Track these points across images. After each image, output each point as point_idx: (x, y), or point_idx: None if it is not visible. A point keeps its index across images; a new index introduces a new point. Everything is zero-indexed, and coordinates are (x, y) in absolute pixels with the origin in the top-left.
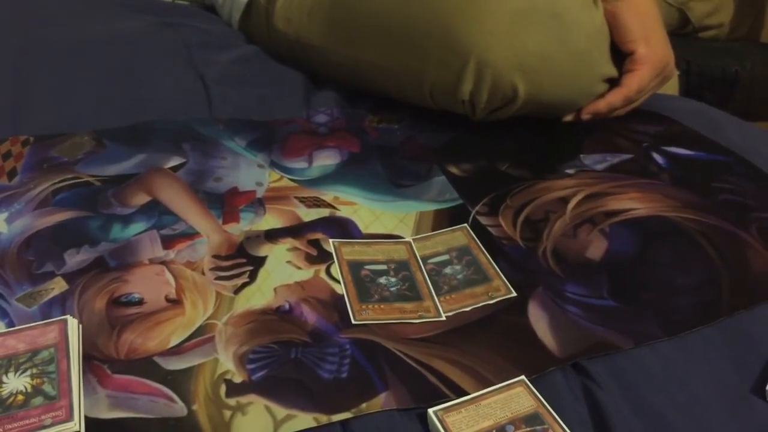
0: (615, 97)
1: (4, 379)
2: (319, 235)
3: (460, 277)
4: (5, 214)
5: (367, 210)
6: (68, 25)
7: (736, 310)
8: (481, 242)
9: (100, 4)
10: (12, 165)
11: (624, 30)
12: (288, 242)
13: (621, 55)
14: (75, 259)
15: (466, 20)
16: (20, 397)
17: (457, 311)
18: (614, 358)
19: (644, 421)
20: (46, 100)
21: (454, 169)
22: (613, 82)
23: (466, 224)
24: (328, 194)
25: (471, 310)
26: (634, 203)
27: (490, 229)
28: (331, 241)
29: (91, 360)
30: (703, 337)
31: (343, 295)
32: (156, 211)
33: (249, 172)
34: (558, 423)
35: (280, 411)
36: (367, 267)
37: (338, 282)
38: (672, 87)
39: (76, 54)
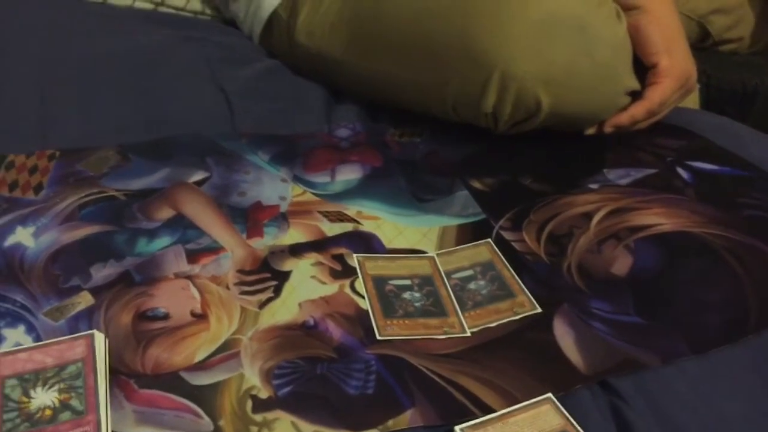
0: (638, 110)
1: (32, 393)
2: (343, 250)
3: (484, 292)
4: (32, 229)
5: (390, 225)
6: (91, 39)
7: (764, 327)
8: (504, 257)
9: (122, 18)
10: (38, 179)
11: (647, 43)
12: (312, 257)
13: (643, 68)
14: (101, 273)
15: (490, 33)
16: (48, 412)
17: (482, 327)
18: (641, 375)
19: None
20: (71, 114)
21: (476, 184)
22: (635, 95)
23: (489, 239)
24: (351, 209)
25: (496, 326)
26: (658, 218)
27: (513, 244)
28: (355, 256)
29: (117, 375)
30: (731, 355)
31: (367, 311)
32: (181, 225)
33: (272, 187)
34: None
35: (307, 427)
36: (391, 282)
37: (363, 297)
38: (692, 101)
39: (99, 68)
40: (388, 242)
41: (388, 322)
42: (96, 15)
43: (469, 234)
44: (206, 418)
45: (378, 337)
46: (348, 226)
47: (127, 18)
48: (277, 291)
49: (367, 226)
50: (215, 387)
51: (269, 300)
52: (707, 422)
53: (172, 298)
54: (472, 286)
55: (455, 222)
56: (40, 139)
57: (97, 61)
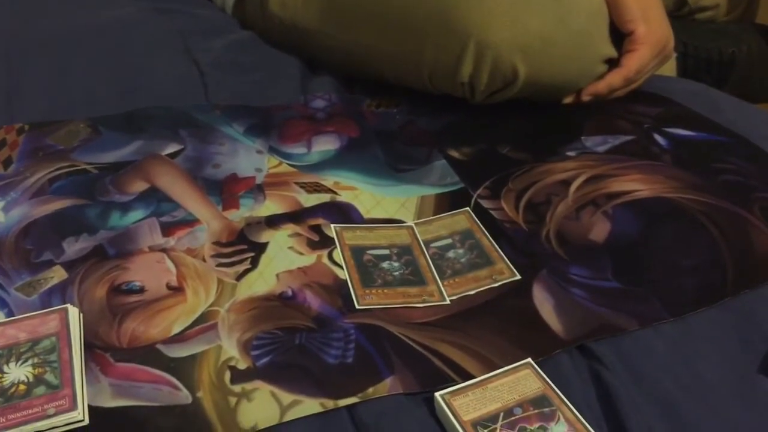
0: (615, 78)
1: (6, 369)
2: (320, 221)
3: (463, 260)
4: (1, 203)
5: (368, 195)
6: (61, 11)
7: (740, 290)
8: (483, 225)
9: None
10: (7, 153)
11: (623, 9)
12: (289, 228)
13: (620, 36)
14: (74, 247)
15: (466, 1)
16: (22, 387)
17: (461, 295)
18: (620, 339)
19: (651, 402)
20: (40, 87)
21: (454, 153)
22: (612, 63)
23: (468, 208)
24: (328, 179)
25: (475, 293)
26: (636, 185)
27: (492, 212)
28: (332, 226)
29: (92, 349)
30: (708, 317)
31: (346, 281)
32: (155, 198)
33: (248, 158)
34: (566, 404)
35: (286, 396)
36: (369, 252)
37: (341, 267)
38: (669, 69)
39: (70, 40)
40: (366, 212)
41: (367, 291)
42: None
43: (448, 203)
44: (184, 390)
45: (357, 307)
46: (325, 197)
47: None
48: (254, 262)
49: (344, 197)
50: (193, 359)
51: (246, 271)
52: (686, 384)
53: (147, 272)
54: (450, 254)
55: (433, 191)
56: (8, 112)
57: (67, 34)
